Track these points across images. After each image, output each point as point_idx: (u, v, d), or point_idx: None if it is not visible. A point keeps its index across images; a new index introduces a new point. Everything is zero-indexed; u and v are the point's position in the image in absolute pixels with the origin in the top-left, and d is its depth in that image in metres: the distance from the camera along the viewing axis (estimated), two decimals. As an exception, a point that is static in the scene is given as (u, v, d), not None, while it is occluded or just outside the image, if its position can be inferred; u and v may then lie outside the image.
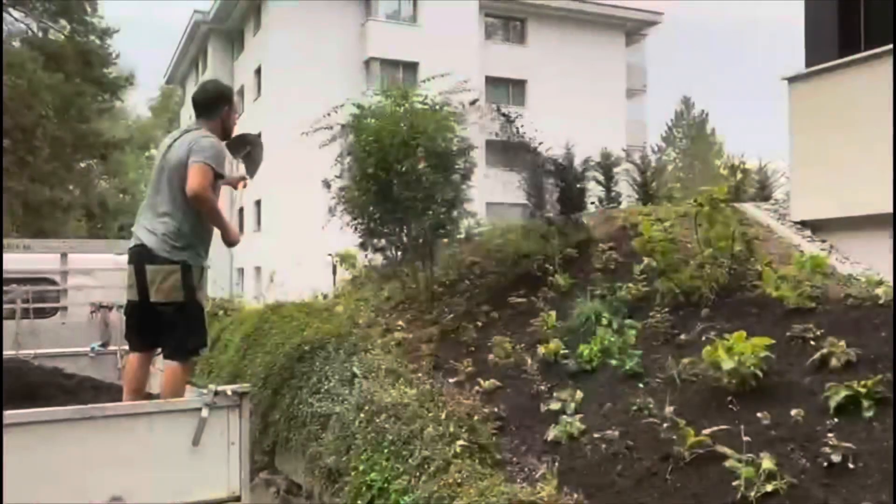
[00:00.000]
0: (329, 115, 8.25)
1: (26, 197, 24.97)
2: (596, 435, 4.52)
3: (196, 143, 4.25)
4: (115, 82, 28.04)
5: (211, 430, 3.78)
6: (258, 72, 31.15)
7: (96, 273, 7.67)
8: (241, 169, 5.30)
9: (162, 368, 4.64)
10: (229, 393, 3.81)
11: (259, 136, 5.46)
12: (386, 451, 4.75)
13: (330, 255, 12.71)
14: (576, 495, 3.97)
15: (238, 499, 3.82)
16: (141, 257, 4.22)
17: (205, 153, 4.18)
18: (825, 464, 3.56)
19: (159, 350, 4.52)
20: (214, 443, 3.80)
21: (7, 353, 6.02)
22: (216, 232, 4.52)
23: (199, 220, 4.28)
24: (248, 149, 5.17)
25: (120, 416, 3.72)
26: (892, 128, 6.97)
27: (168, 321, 4.24)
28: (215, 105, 4.58)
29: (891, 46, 7.43)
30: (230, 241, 4.51)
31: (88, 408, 3.84)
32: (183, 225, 4.23)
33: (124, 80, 29.59)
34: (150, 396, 4.56)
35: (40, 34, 25.96)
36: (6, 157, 25.24)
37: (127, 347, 4.73)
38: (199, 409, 3.74)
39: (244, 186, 5.08)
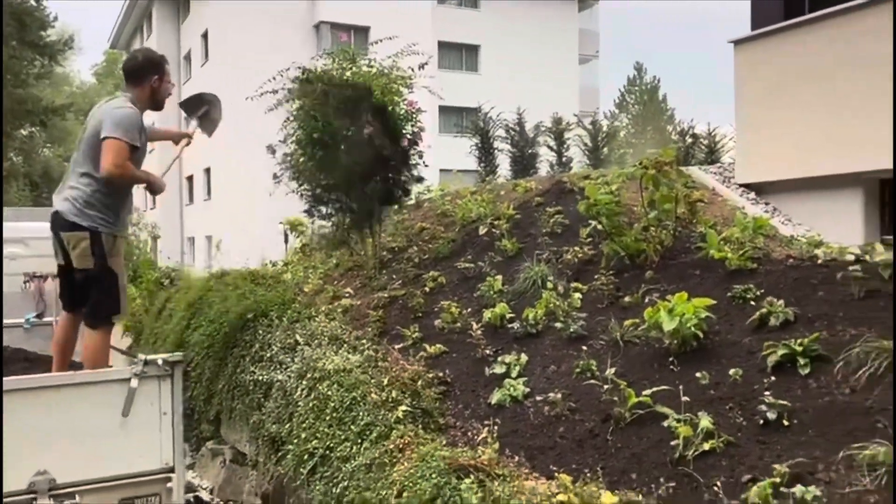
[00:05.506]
0: (274, 79, 8.03)
1: (-38, 165, 24.13)
2: (539, 398, 4.51)
3: (110, 115, 4.27)
4: (53, 46, 27.06)
5: (142, 400, 3.68)
6: (205, 36, 30.32)
7: (30, 242, 7.42)
8: (192, 126, 5.30)
9: None
10: (160, 362, 3.71)
11: (215, 96, 5.42)
12: (328, 418, 4.68)
13: (281, 223, 12.54)
14: (517, 457, 3.96)
15: (171, 470, 3.73)
16: (55, 223, 4.27)
17: (116, 127, 4.19)
18: (761, 421, 3.58)
19: None
20: (146, 414, 3.70)
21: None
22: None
23: (110, 189, 4.28)
24: (206, 108, 5.18)
25: (44, 388, 3.60)
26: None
27: (83, 287, 4.24)
28: (144, 74, 4.57)
29: (834, 9, 7.48)
30: (155, 191, 4.64)
31: (10, 380, 3.71)
32: (93, 192, 4.25)
33: (63, 43, 28.58)
34: (74, 365, 4.47)
35: (-29, -6, 24.88)
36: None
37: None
38: (129, 380, 3.64)
39: (188, 143, 5.09)
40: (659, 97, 51.42)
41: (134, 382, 3.62)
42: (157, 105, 4.69)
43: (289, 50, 25.47)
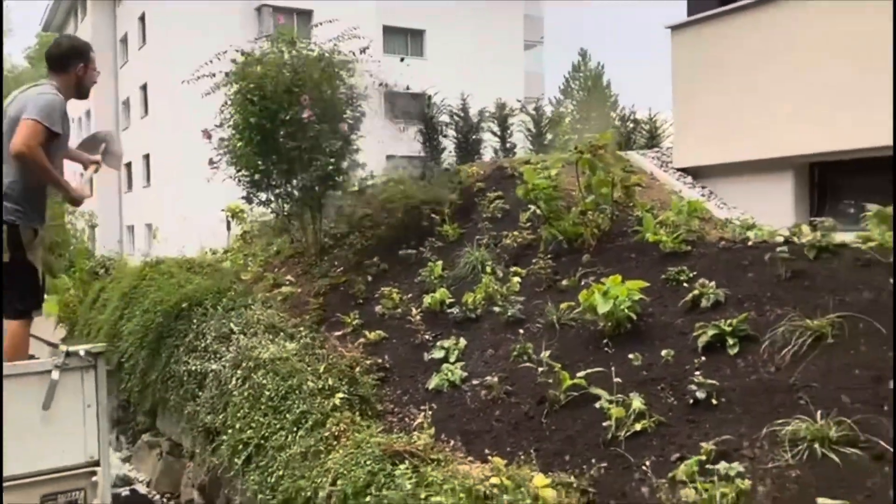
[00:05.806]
0: (211, 62, 7.83)
1: None
2: (476, 382, 4.52)
3: (33, 100, 4.15)
4: (-20, 28, 25.94)
5: (64, 393, 3.56)
6: (143, 19, 29.52)
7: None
8: (99, 155, 5.20)
9: None
10: (82, 353, 3.58)
11: (109, 132, 5.44)
12: (263, 407, 4.61)
13: (223, 210, 12.29)
14: (452, 442, 3.96)
15: (97, 463, 3.62)
16: None
17: (36, 110, 4.06)
18: (691, 401, 3.65)
19: None
20: (68, 406, 3.58)
21: None
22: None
23: (30, 180, 4.14)
24: (104, 145, 5.08)
25: (-41, 383, 3.43)
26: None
27: None
28: (68, 61, 4.48)
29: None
30: (73, 200, 4.53)
31: (-78, 374, 3.54)
32: (12, 183, 4.10)
33: (-9, 25, 27.42)
34: None
35: None
36: None
37: None
38: (49, 372, 3.51)
39: (95, 171, 5.02)
40: (603, 83, 51.92)
41: (55, 374, 3.50)
42: (82, 94, 4.63)
43: (229, 33, 24.85)
